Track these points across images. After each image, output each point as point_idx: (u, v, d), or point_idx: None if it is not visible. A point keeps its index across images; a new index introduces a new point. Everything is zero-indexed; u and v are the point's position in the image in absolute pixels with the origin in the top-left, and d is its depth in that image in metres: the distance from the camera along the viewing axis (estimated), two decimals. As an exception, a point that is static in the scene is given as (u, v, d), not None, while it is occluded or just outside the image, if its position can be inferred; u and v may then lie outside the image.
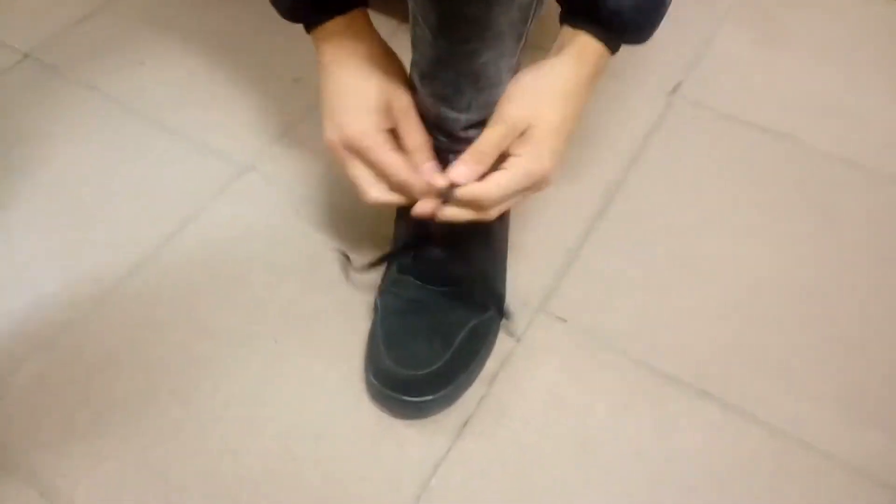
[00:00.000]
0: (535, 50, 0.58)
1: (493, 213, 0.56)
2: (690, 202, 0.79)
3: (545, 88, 0.54)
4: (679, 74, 0.92)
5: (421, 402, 0.59)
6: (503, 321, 0.65)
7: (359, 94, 0.56)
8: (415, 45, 0.58)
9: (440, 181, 0.55)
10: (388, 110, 0.56)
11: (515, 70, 0.58)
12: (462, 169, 0.55)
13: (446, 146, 0.60)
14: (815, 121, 0.88)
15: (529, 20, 0.54)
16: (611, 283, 0.71)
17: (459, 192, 0.55)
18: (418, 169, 0.56)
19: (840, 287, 0.72)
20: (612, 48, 0.55)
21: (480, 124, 0.58)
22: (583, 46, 0.54)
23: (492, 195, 0.54)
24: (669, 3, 0.54)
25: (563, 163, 0.56)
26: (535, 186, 0.55)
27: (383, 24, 0.96)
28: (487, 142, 0.54)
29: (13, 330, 0.67)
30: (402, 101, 0.57)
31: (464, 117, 0.58)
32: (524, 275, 0.71)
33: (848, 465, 0.60)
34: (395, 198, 0.58)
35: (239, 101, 0.87)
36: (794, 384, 0.65)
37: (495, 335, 0.65)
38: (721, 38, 0.98)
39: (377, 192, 0.57)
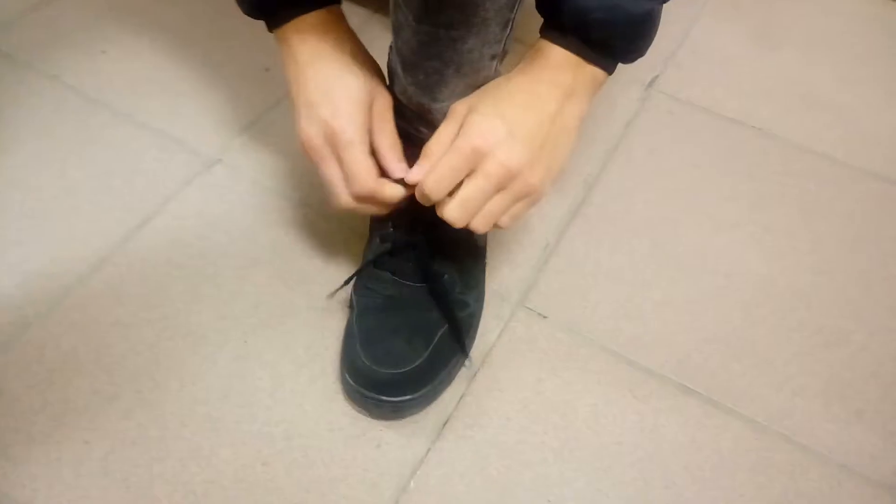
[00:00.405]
0: (519, 44, 0.56)
1: (453, 212, 0.52)
2: (669, 195, 0.78)
3: (491, 86, 0.52)
4: (657, 67, 0.91)
5: (399, 402, 0.57)
6: (466, 360, 0.62)
7: (347, 87, 0.54)
8: (396, 32, 0.56)
9: (396, 175, 0.54)
10: (370, 108, 0.54)
11: (501, 57, 0.56)
12: (414, 169, 0.53)
13: (426, 136, 0.58)
14: (794, 114, 0.88)
15: (516, 6, 0.52)
16: (590, 278, 0.70)
17: (408, 185, 0.54)
18: (392, 167, 0.54)
19: (820, 280, 0.72)
20: (587, 57, 0.49)
21: None
22: (539, 51, 0.50)
23: (429, 181, 0.51)
24: (654, 22, 0.49)
25: (545, 171, 0.51)
26: (482, 165, 0.49)
27: (355, 13, 0.95)
28: (436, 140, 0.52)
29: (-34, 330, 0.63)
30: (382, 101, 0.56)
31: (446, 105, 0.56)
32: (503, 270, 0.70)
33: (830, 461, 0.59)
34: (364, 208, 0.56)
35: (206, 91, 0.84)
36: (776, 378, 0.64)
37: (475, 332, 0.64)
38: (699, 31, 0.97)
39: (347, 199, 0.55)
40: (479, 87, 0.56)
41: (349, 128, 0.53)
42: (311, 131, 0.54)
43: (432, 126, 0.57)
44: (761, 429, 0.61)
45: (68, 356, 0.62)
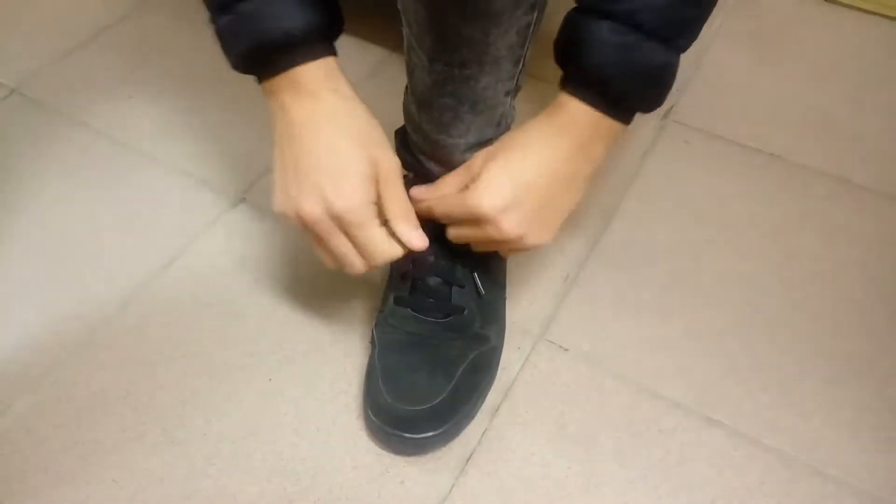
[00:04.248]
0: (532, 79, 0.57)
1: (477, 247, 0.55)
2: (688, 224, 0.78)
3: (508, 140, 0.52)
4: (671, 97, 0.92)
5: (421, 438, 0.57)
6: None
7: (350, 161, 0.49)
8: (410, 73, 0.57)
9: (416, 246, 0.52)
10: (375, 178, 0.51)
11: (515, 92, 0.57)
12: (421, 188, 0.56)
13: (437, 174, 0.59)
14: (811, 139, 0.87)
15: (527, 43, 0.53)
16: (611, 309, 0.70)
17: (415, 204, 0.55)
18: (409, 237, 0.52)
19: (845, 306, 0.71)
20: (607, 112, 0.49)
21: (478, 146, 0.57)
22: (559, 106, 0.50)
23: (437, 212, 0.54)
24: (672, 73, 0.48)
25: (544, 230, 0.52)
26: (483, 229, 0.51)
27: (372, 53, 0.97)
28: (446, 181, 0.54)
29: (-2, 372, 0.65)
30: (389, 164, 0.51)
31: (463, 141, 0.57)
32: (523, 303, 0.70)
33: (862, 492, 0.58)
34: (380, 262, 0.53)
35: (229, 132, 0.86)
36: (804, 408, 0.63)
37: (497, 366, 0.64)
38: (712, 59, 0.98)
39: (364, 266, 0.53)
40: (493, 122, 0.57)
41: (358, 211, 0.49)
42: (311, 207, 0.49)
43: (445, 164, 0.58)
44: (790, 460, 0.60)
45: (96, 395, 0.63)
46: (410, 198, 0.54)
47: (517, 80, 0.57)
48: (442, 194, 0.54)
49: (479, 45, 0.51)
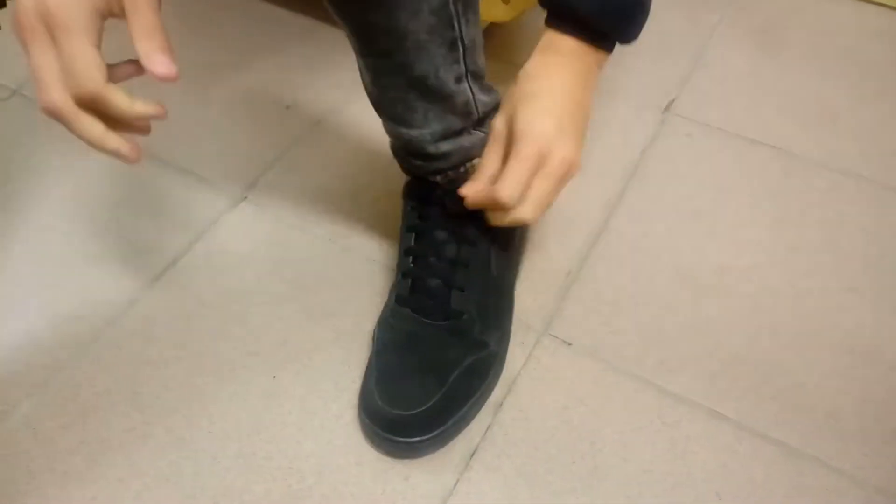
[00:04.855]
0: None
1: (528, 212, 0.52)
2: (690, 218, 0.78)
3: (517, 91, 0.53)
4: (672, 91, 0.92)
5: (410, 442, 0.57)
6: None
7: None
8: (362, 79, 0.59)
9: (158, 70, 0.41)
10: None
11: (475, 79, 0.57)
12: (469, 184, 0.54)
13: (424, 169, 0.60)
14: (812, 132, 0.87)
15: (456, 25, 0.53)
16: (614, 303, 0.70)
17: (472, 200, 0.54)
18: (149, 59, 0.41)
19: (848, 298, 0.71)
20: (590, 43, 0.52)
21: (451, 134, 0.57)
22: (548, 43, 0.52)
23: (504, 193, 0.51)
24: (643, 6, 0.51)
25: (573, 139, 0.52)
26: (546, 163, 0.51)
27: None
28: (488, 157, 0.54)
29: (2, 373, 0.65)
30: None
31: (427, 132, 0.57)
32: (525, 298, 0.70)
33: (867, 484, 0.58)
34: (86, 124, 0.42)
35: (230, 131, 0.87)
36: (808, 400, 0.63)
37: (497, 373, 0.63)
38: (712, 52, 0.98)
39: (59, 96, 0.40)
40: (458, 112, 0.57)
41: (71, 7, 0.39)
42: (25, 3, 0.40)
43: (424, 155, 0.59)
44: (794, 453, 0.60)
45: (101, 396, 0.63)
46: (465, 199, 0.53)
47: (466, 65, 0.56)
48: (492, 172, 0.53)
49: (394, 33, 0.52)
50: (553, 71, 0.52)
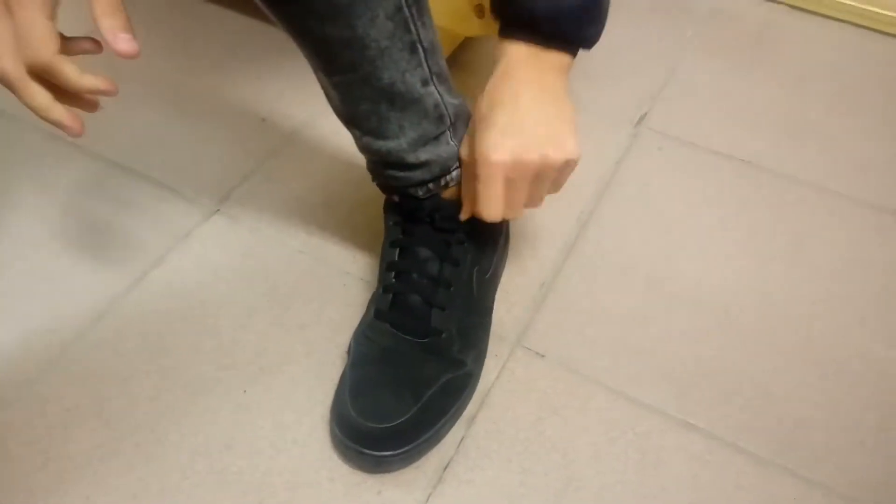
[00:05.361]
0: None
1: (518, 213, 0.57)
2: (662, 230, 0.79)
3: (476, 111, 0.56)
4: (645, 105, 0.93)
5: (379, 456, 0.56)
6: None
7: None
8: (328, 100, 0.60)
9: (120, 47, 0.41)
10: None
11: (441, 80, 0.57)
12: (462, 212, 0.60)
13: (405, 181, 0.60)
14: (783, 146, 0.89)
15: (412, 27, 0.53)
16: (587, 315, 0.70)
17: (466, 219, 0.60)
18: (113, 36, 0.41)
19: (817, 310, 0.72)
20: (543, 46, 0.53)
21: (428, 141, 0.58)
22: (501, 53, 0.54)
23: (482, 212, 0.56)
24: (597, 7, 0.52)
25: (550, 140, 0.54)
26: (537, 173, 0.54)
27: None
28: (464, 183, 0.58)
29: (-32, 389, 0.64)
30: None
31: (403, 141, 0.57)
32: (499, 310, 0.70)
33: (833, 492, 0.59)
34: (38, 96, 0.43)
35: (204, 143, 0.86)
36: (777, 411, 0.64)
37: (471, 392, 0.63)
38: (685, 66, 0.99)
39: (11, 63, 0.41)
40: (430, 116, 0.57)
41: None
42: None
43: (403, 165, 0.59)
44: (764, 463, 0.61)
45: (69, 411, 0.62)
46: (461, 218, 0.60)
47: (428, 66, 0.56)
48: (472, 196, 0.57)
49: (356, 43, 0.52)
50: (506, 86, 0.53)
